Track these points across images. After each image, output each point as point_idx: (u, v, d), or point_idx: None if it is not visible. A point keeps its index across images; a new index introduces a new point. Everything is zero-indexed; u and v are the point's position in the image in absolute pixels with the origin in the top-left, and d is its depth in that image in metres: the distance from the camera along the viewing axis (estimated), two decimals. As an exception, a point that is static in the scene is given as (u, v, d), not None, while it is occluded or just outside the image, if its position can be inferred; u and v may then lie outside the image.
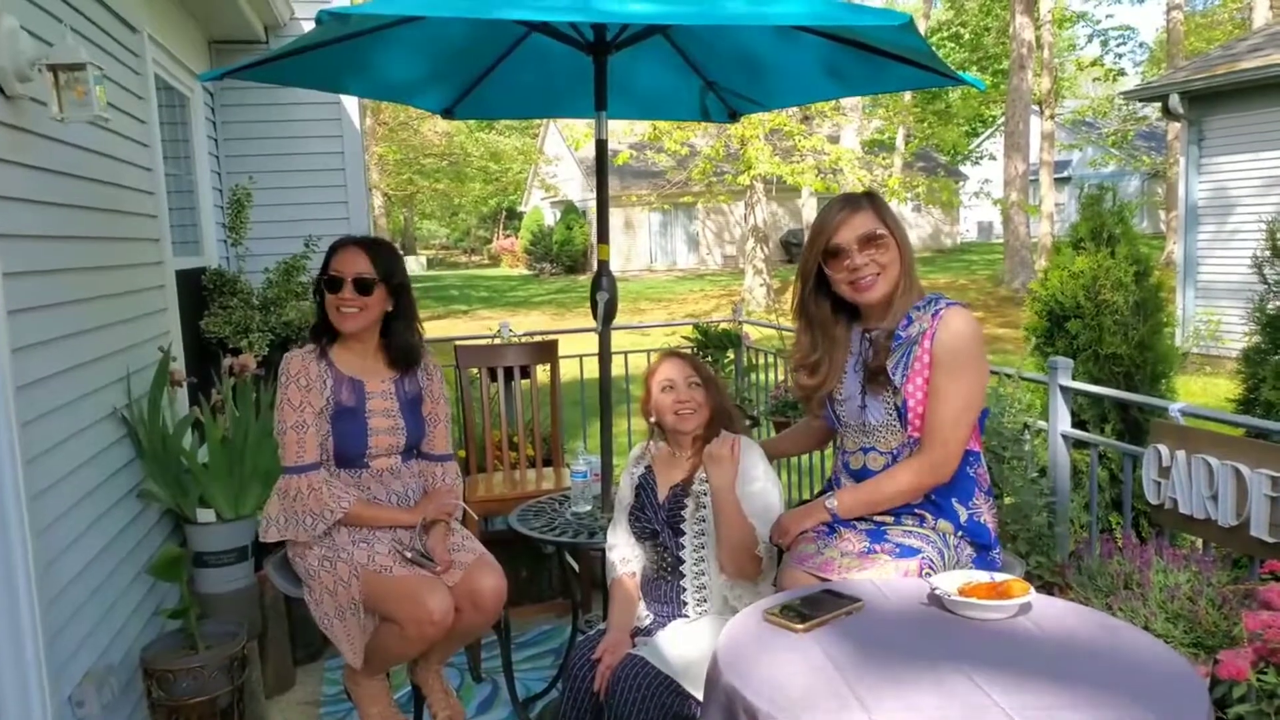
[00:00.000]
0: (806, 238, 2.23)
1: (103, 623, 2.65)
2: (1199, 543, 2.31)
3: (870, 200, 2.16)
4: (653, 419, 2.40)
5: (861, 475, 2.17)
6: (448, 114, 3.44)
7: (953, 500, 2.11)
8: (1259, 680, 1.56)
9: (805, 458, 4.32)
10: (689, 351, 4.30)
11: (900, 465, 2.10)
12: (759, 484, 2.26)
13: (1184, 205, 10.30)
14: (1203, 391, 7.93)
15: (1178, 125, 10.89)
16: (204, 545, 3.12)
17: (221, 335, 4.19)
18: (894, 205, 13.51)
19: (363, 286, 2.46)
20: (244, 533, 3.15)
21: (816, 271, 2.18)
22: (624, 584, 2.39)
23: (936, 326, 2.03)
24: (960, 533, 2.11)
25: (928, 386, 2.03)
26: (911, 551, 2.04)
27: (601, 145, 2.85)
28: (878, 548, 2.07)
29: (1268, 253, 2.86)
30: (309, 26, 4.85)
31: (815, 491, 2.50)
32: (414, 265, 32.58)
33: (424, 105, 3.46)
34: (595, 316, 2.86)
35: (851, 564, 2.05)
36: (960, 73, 2.71)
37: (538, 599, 3.89)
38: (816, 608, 1.72)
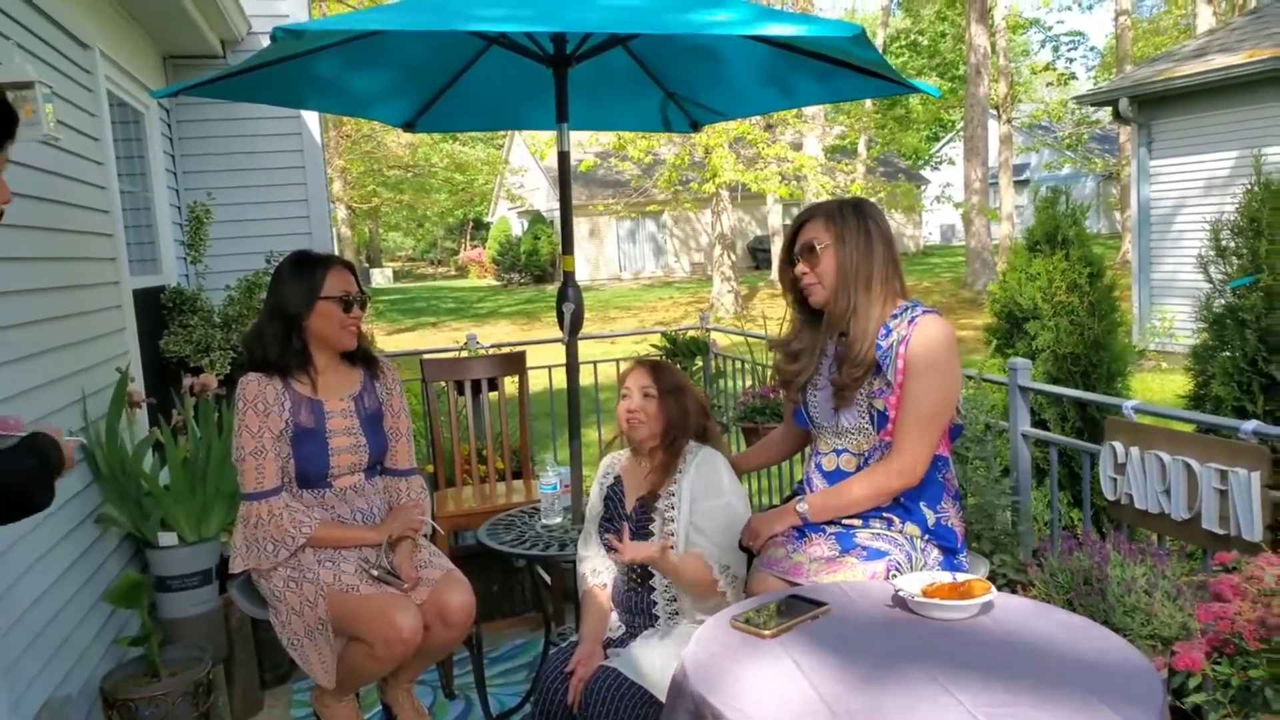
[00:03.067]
0: None
1: (60, 653, 2.59)
2: (1155, 537, 2.36)
3: (824, 211, 2.20)
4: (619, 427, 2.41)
5: (834, 477, 2.19)
6: (409, 127, 3.43)
7: (921, 504, 2.13)
8: (1213, 670, 1.60)
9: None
10: (658, 359, 4.31)
11: (870, 469, 2.13)
12: (724, 498, 2.25)
13: (1136, 206, 10.54)
14: (1160, 388, 8.10)
15: (1129, 128, 11.13)
16: (166, 569, 3.07)
17: (182, 354, 4.14)
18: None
19: (364, 304, 2.55)
20: (207, 555, 3.11)
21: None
22: (595, 595, 2.38)
23: (911, 334, 2.06)
24: (928, 536, 2.13)
25: (900, 392, 2.06)
26: (879, 554, 2.07)
27: (564, 157, 2.86)
28: (847, 553, 2.09)
29: (1212, 252, 2.94)
30: (266, 41, 4.82)
31: (785, 496, 2.52)
32: (380, 278, 32.39)
33: (385, 119, 3.45)
34: (562, 328, 2.87)
35: (820, 568, 2.07)
36: (915, 80, 2.76)
37: (510, 613, 3.87)
38: (783, 613, 1.73)
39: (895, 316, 2.11)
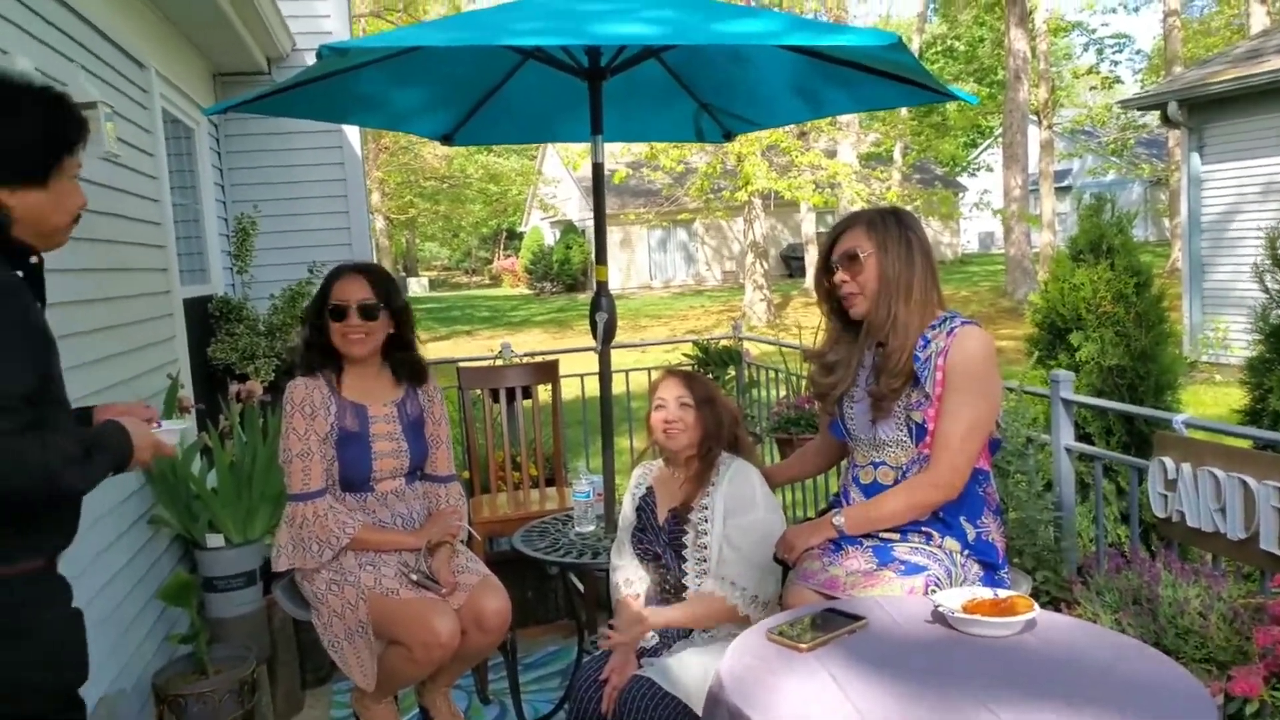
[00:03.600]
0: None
1: (115, 649, 2.66)
2: (1209, 556, 2.30)
3: (864, 219, 2.17)
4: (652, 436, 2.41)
5: (871, 490, 2.17)
6: (447, 140, 3.47)
7: (961, 519, 2.10)
8: (1271, 696, 1.55)
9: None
10: (690, 369, 4.30)
11: (908, 482, 2.10)
12: (758, 513, 2.24)
13: (1186, 213, 10.30)
14: (1214, 402, 7.88)
15: (1178, 132, 10.90)
16: (213, 570, 3.13)
17: (228, 362, 4.22)
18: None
19: (367, 312, 2.50)
20: (252, 557, 3.16)
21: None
22: (628, 604, 2.39)
23: (950, 345, 2.04)
24: (967, 551, 2.10)
25: (939, 404, 2.04)
26: (918, 569, 2.04)
27: (598, 169, 2.87)
28: (884, 566, 2.07)
29: (1268, 262, 2.86)
30: (310, 57, 4.92)
31: (820, 509, 2.50)
32: (416, 287, 32.74)
33: (423, 132, 3.49)
34: (595, 337, 2.89)
35: (857, 582, 2.05)
36: (952, 87, 2.74)
37: (544, 620, 3.89)
38: (819, 626, 1.72)
39: (934, 327, 2.09)
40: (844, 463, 2.38)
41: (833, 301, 2.24)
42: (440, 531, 2.57)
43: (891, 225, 2.15)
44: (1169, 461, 2.26)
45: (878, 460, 2.17)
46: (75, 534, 1.66)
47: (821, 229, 24.73)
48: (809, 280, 22.43)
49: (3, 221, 1.50)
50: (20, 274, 1.52)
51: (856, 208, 18.10)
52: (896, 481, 2.13)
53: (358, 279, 2.53)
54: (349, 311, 2.49)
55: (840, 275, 2.16)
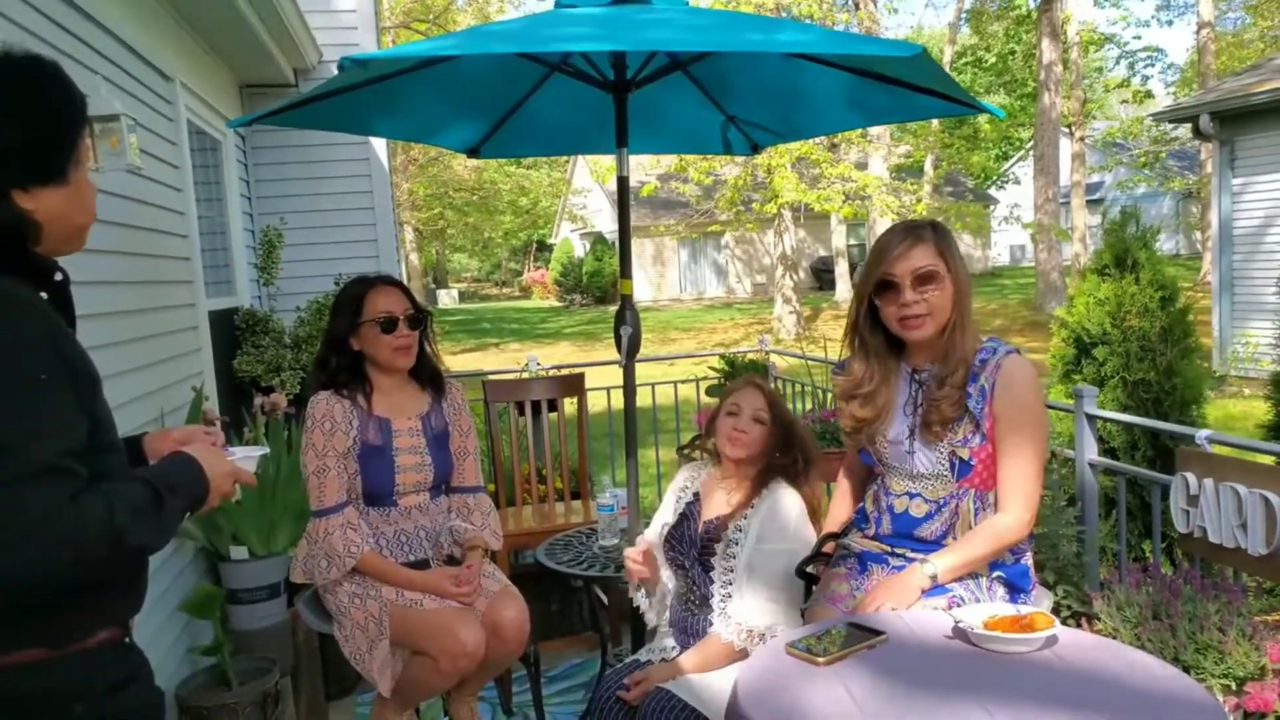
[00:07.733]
0: (865, 260, 2.11)
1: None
2: (1230, 572, 2.27)
3: (934, 232, 2.05)
4: (711, 439, 2.38)
5: (903, 519, 2.09)
6: (473, 153, 3.50)
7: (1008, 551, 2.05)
8: (1291, 713, 1.53)
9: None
10: (721, 383, 4.30)
11: (992, 527, 1.99)
12: (785, 544, 2.20)
13: (1217, 226, 10.18)
14: (1243, 415, 7.76)
15: (1210, 145, 10.78)
16: (237, 582, 3.16)
17: (254, 374, 4.26)
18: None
19: (414, 322, 2.52)
20: (276, 569, 3.19)
21: (870, 300, 2.09)
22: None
23: (998, 380, 1.98)
24: (999, 574, 2.05)
25: (994, 442, 1.98)
26: (942, 590, 2.00)
27: (623, 182, 2.89)
28: None
29: (1294, 275, 2.83)
30: (336, 70, 4.98)
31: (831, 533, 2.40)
32: (446, 299, 32.97)
33: (449, 145, 3.52)
34: (619, 350, 2.89)
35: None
36: (980, 100, 2.73)
37: (568, 633, 3.89)
38: (839, 641, 1.71)
39: (982, 360, 2.01)
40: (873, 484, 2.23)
41: (866, 323, 2.11)
42: (445, 592, 2.51)
43: (952, 241, 2.06)
44: (1191, 477, 2.23)
45: (913, 491, 2.09)
46: (146, 593, 1.43)
47: (852, 241, 24.60)
48: (839, 293, 22.32)
49: (25, 232, 1.24)
50: (45, 295, 1.27)
51: (887, 220, 17.99)
52: (930, 515, 2.06)
53: (391, 289, 2.52)
54: (399, 323, 2.48)
55: (911, 295, 2.00)
